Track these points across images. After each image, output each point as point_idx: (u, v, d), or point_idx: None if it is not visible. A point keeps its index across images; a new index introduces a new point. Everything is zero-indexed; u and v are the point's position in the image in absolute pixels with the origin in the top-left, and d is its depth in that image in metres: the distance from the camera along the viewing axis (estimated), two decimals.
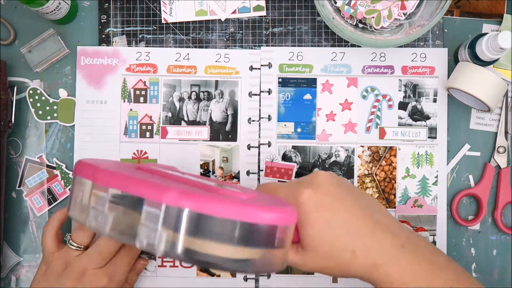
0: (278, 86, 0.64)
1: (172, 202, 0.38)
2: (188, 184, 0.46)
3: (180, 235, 0.38)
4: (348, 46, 0.64)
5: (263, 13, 0.64)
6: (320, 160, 0.63)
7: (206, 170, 0.63)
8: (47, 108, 0.63)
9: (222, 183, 0.53)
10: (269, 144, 0.63)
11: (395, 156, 0.63)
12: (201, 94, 0.64)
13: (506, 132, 0.63)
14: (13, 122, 0.62)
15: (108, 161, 0.56)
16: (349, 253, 0.45)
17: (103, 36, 0.64)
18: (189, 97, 0.64)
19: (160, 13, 0.64)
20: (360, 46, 0.63)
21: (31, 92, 0.63)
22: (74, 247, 0.55)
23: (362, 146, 0.63)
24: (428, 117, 0.63)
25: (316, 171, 0.49)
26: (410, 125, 0.63)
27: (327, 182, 0.47)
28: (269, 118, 0.63)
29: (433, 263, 0.46)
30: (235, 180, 0.63)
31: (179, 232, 0.38)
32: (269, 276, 0.62)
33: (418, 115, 0.63)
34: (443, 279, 0.45)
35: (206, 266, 0.56)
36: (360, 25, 0.61)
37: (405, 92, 0.63)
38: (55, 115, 0.63)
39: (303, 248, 0.46)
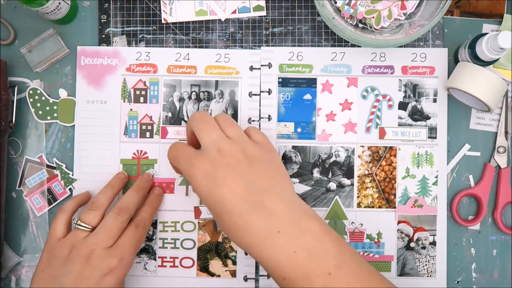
0: (278, 86, 0.64)
1: None
2: None
3: None
4: (348, 46, 0.64)
5: (263, 13, 0.64)
6: (320, 160, 0.63)
7: None
8: (47, 108, 0.63)
9: None
10: None
11: (395, 156, 0.63)
12: (201, 94, 0.64)
13: (506, 132, 0.63)
14: (13, 122, 0.62)
15: None
16: (224, 225, 0.49)
17: (103, 36, 0.64)
18: (189, 97, 0.64)
19: (160, 13, 0.64)
20: (360, 46, 0.63)
21: (31, 92, 0.63)
22: (82, 227, 0.55)
23: (362, 146, 0.63)
24: (428, 117, 0.63)
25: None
26: (410, 125, 0.63)
27: (232, 151, 0.50)
28: (269, 118, 0.63)
29: (311, 250, 0.46)
30: None
31: None
32: (269, 276, 0.62)
33: (418, 115, 0.63)
34: (323, 265, 0.46)
35: None
36: (360, 25, 0.61)
37: (405, 92, 0.63)
38: (55, 115, 0.63)
39: None
